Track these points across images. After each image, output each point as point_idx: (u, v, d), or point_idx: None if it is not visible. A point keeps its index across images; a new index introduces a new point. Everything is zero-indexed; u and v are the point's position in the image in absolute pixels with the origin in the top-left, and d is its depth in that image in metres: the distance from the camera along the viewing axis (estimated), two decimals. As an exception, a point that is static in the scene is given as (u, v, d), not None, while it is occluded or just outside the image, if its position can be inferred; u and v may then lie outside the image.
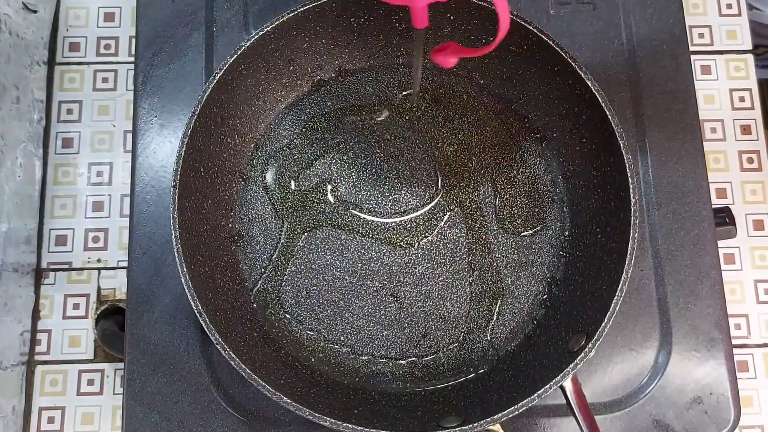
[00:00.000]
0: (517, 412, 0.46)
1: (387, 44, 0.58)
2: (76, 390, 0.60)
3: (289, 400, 0.46)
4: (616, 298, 0.48)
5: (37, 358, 0.61)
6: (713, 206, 0.57)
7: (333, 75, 0.59)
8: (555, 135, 0.57)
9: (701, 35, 0.67)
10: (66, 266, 0.62)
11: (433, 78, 0.59)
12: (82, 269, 0.62)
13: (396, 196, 0.57)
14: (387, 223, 0.57)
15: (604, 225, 0.53)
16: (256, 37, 0.52)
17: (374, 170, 0.57)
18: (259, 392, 0.47)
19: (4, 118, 0.58)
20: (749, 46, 0.67)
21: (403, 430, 0.48)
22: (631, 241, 0.49)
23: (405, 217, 0.57)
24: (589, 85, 0.51)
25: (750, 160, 0.65)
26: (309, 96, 0.59)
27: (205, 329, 0.47)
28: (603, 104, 0.51)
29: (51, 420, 0.60)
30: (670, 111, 0.59)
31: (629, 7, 0.61)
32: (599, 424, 0.47)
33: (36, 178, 0.63)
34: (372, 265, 0.56)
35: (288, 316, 0.55)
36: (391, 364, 0.54)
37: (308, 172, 0.57)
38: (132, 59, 0.65)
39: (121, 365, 0.60)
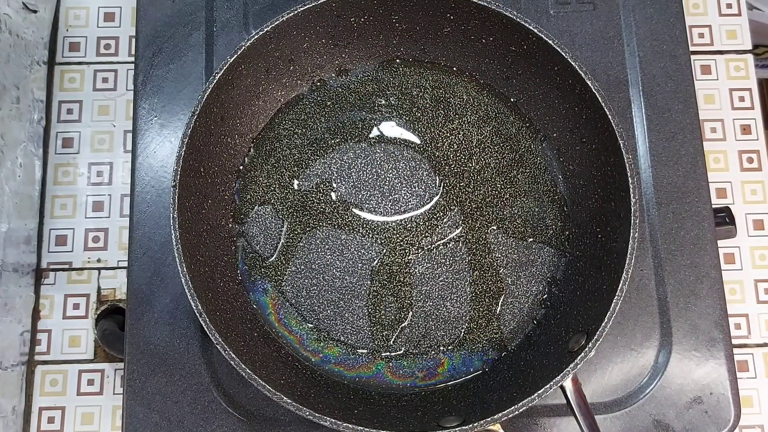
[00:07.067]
0: (517, 412, 0.46)
1: (387, 44, 0.58)
2: (76, 390, 0.60)
3: (289, 400, 0.46)
4: (616, 298, 0.48)
5: (37, 358, 0.61)
6: (713, 206, 0.57)
7: (333, 75, 0.59)
8: (555, 135, 0.57)
9: (701, 35, 0.67)
10: (66, 266, 0.62)
11: (433, 77, 0.59)
12: (82, 269, 0.62)
13: (396, 196, 0.57)
14: (387, 222, 0.57)
15: (604, 225, 0.53)
16: (256, 37, 0.52)
17: (374, 170, 0.57)
18: (259, 392, 0.47)
19: (4, 118, 0.58)
20: (749, 46, 0.67)
21: (403, 430, 0.48)
22: (631, 241, 0.49)
23: (405, 216, 0.57)
24: (589, 85, 0.51)
25: (750, 160, 0.65)
26: (309, 96, 0.59)
27: (205, 329, 0.47)
28: (603, 104, 0.51)
29: (51, 420, 0.60)
30: (670, 111, 0.59)
31: (629, 7, 0.61)
32: (599, 424, 0.47)
33: (36, 178, 0.63)
34: (372, 265, 0.56)
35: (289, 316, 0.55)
36: (391, 364, 0.54)
37: (308, 172, 0.57)
38: (132, 59, 0.65)
39: (121, 365, 0.60)
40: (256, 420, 0.53)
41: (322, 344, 0.54)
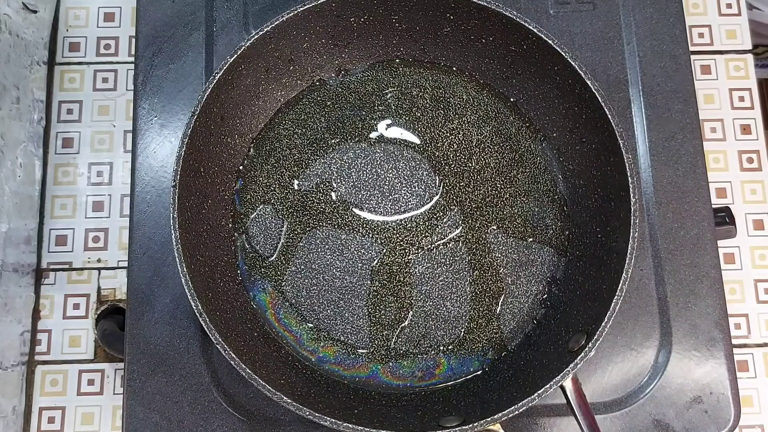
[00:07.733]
0: (517, 412, 0.46)
1: (387, 44, 0.58)
2: (76, 390, 0.60)
3: (289, 400, 0.46)
4: (616, 298, 0.48)
5: (37, 358, 0.61)
6: (713, 206, 0.57)
7: (333, 75, 0.59)
8: (555, 135, 0.57)
9: (701, 35, 0.67)
10: (66, 266, 0.62)
11: (433, 77, 0.59)
12: (82, 269, 0.62)
13: (396, 196, 0.57)
14: (387, 222, 0.57)
15: (604, 225, 0.53)
16: (256, 37, 0.52)
17: (374, 170, 0.57)
18: (259, 392, 0.47)
19: (4, 118, 0.58)
20: (749, 46, 0.67)
21: (403, 430, 0.48)
22: (631, 241, 0.49)
23: (405, 215, 0.57)
24: (589, 85, 0.51)
25: (750, 160, 0.65)
26: (309, 96, 0.59)
27: (205, 329, 0.47)
28: (603, 104, 0.51)
29: (51, 420, 0.60)
30: (670, 111, 0.59)
31: (629, 7, 0.61)
32: (599, 424, 0.47)
33: (36, 178, 0.63)
34: (372, 265, 0.56)
35: (288, 316, 0.55)
36: (389, 365, 0.54)
37: (308, 172, 0.57)
38: (132, 59, 0.65)
39: (121, 365, 0.60)
40: (256, 420, 0.53)
41: (321, 344, 0.54)
